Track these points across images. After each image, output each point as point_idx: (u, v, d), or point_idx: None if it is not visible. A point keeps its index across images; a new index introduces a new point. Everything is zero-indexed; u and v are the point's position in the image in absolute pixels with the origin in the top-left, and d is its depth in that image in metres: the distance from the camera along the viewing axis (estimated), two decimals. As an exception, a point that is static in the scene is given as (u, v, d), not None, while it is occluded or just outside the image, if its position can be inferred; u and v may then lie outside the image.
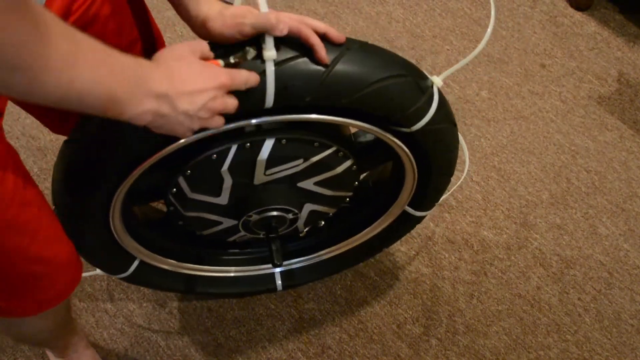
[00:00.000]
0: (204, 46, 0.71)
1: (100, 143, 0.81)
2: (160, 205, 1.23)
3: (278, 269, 1.26)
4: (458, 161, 1.62)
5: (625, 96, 1.75)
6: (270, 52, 0.74)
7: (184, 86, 0.65)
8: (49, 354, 1.22)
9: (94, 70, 0.55)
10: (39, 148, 1.53)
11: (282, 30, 0.73)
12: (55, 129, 1.00)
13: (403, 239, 1.47)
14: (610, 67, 1.80)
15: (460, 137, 1.07)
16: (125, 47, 0.82)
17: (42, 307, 0.90)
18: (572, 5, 1.92)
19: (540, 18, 1.89)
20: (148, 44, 0.90)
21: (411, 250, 1.46)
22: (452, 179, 1.55)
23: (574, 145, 1.65)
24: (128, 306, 1.35)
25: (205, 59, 0.71)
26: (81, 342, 1.19)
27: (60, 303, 0.92)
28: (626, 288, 1.44)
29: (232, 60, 0.73)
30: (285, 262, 1.25)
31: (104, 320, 1.33)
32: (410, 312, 1.38)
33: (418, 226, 1.49)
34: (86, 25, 0.77)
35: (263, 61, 0.74)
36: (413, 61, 1.74)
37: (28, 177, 0.77)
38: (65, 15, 0.74)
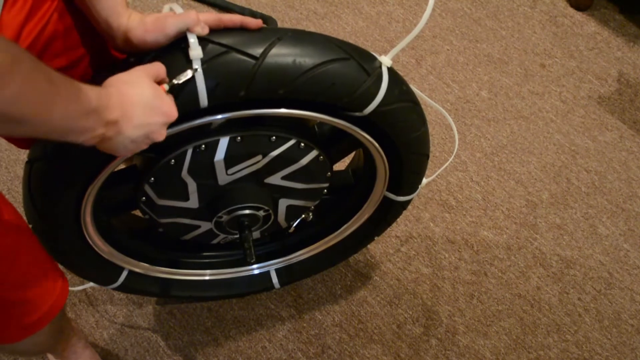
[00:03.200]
0: (160, 69, 0.72)
1: (55, 161, 0.82)
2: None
3: (274, 267, 1.26)
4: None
5: (625, 96, 1.75)
6: (195, 51, 0.74)
7: (135, 114, 0.67)
8: (49, 355, 1.22)
9: (66, 108, 0.57)
10: None
11: (204, 29, 0.74)
12: (21, 146, 0.99)
13: (403, 239, 1.47)
14: (610, 67, 1.80)
15: (450, 119, 1.06)
16: (73, 64, 0.82)
17: (27, 332, 0.89)
18: (572, 5, 1.92)
19: (540, 18, 1.89)
20: (97, 59, 0.89)
21: (411, 250, 1.46)
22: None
23: (574, 145, 1.65)
24: (128, 306, 1.35)
25: (159, 82, 0.72)
26: (79, 343, 1.19)
27: (48, 324, 0.90)
28: (626, 288, 1.44)
29: (175, 82, 0.74)
30: (280, 259, 1.25)
31: (104, 320, 1.33)
32: (410, 312, 1.38)
33: (418, 226, 1.49)
34: (49, 41, 0.76)
35: (189, 61, 0.74)
36: (413, 61, 1.75)
37: (4, 200, 0.76)
38: (16, 39, 0.73)
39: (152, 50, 0.76)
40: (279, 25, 1.80)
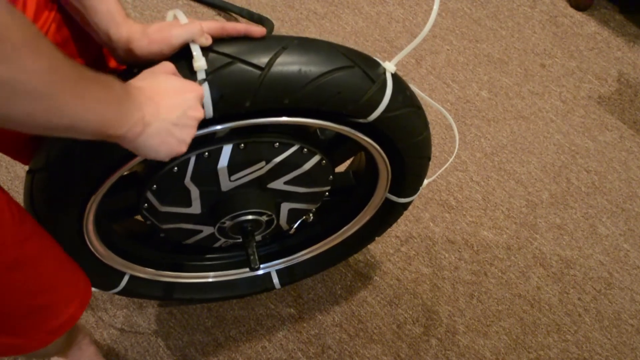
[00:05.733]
0: (169, 67, 0.72)
1: (58, 172, 0.81)
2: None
3: (274, 268, 1.26)
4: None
5: (625, 96, 1.75)
6: (200, 62, 0.73)
7: (165, 94, 0.67)
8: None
9: (96, 90, 0.56)
10: None
11: (207, 39, 0.74)
12: (17, 158, 0.96)
13: (403, 239, 1.47)
14: (610, 67, 1.80)
15: (451, 120, 1.06)
16: (88, 64, 0.81)
17: (54, 336, 0.88)
18: (572, 5, 1.92)
19: (540, 18, 1.89)
20: (107, 58, 0.88)
21: (411, 250, 1.46)
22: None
23: (574, 145, 1.65)
24: (128, 306, 1.35)
25: None
26: (84, 340, 1.19)
27: (72, 326, 0.90)
28: (626, 288, 1.44)
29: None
30: (281, 260, 1.25)
31: (104, 320, 1.33)
32: (410, 312, 1.38)
33: (418, 226, 1.49)
34: None
35: (194, 72, 0.73)
36: (413, 61, 1.75)
37: (21, 209, 0.75)
38: None
39: (155, 62, 0.75)
40: (278, 25, 1.80)
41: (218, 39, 0.76)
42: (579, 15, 1.90)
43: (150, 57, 0.74)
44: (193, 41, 0.73)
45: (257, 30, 0.77)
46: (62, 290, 0.85)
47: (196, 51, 0.73)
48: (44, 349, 0.92)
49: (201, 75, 0.73)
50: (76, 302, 0.89)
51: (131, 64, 0.77)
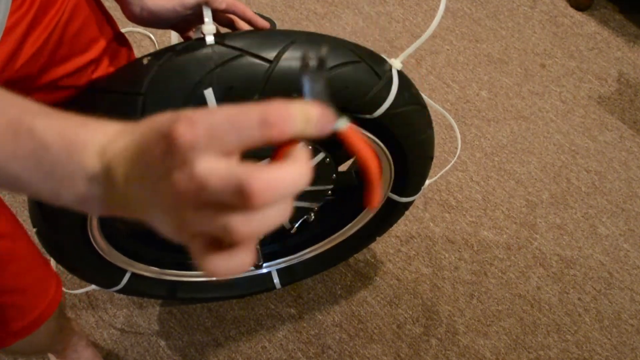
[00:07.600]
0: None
1: None
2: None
3: (275, 267, 1.26)
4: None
5: (625, 96, 1.75)
6: (209, 26, 0.73)
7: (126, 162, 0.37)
8: (50, 354, 1.23)
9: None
10: None
11: (221, 4, 0.74)
12: None
13: (403, 239, 1.47)
14: (610, 67, 1.80)
15: (452, 121, 1.07)
16: (79, 69, 0.79)
17: (17, 337, 0.87)
18: (572, 5, 1.92)
19: (540, 18, 1.89)
20: (105, 64, 0.86)
21: (411, 250, 1.46)
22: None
23: (574, 145, 1.65)
24: (128, 306, 1.35)
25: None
26: (81, 342, 1.19)
27: (38, 328, 0.89)
28: (626, 288, 1.44)
29: None
30: (282, 259, 1.25)
31: (104, 320, 1.33)
32: (410, 312, 1.38)
33: (418, 226, 1.49)
34: (55, 47, 0.74)
35: (204, 35, 0.73)
36: (412, 61, 1.75)
37: (2, 207, 0.74)
38: (20, 45, 0.68)
39: (168, 22, 0.75)
40: (278, 25, 1.80)
41: (227, 34, 0.77)
42: (579, 15, 1.90)
43: (164, 14, 0.74)
44: (207, 3, 0.73)
45: (262, 22, 0.79)
46: (30, 292, 0.84)
47: (208, 15, 0.73)
48: (16, 345, 0.91)
49: (210, 39, 0.73)
50: (42, 307, 0.87)
51: (144, 23, 0.77)
